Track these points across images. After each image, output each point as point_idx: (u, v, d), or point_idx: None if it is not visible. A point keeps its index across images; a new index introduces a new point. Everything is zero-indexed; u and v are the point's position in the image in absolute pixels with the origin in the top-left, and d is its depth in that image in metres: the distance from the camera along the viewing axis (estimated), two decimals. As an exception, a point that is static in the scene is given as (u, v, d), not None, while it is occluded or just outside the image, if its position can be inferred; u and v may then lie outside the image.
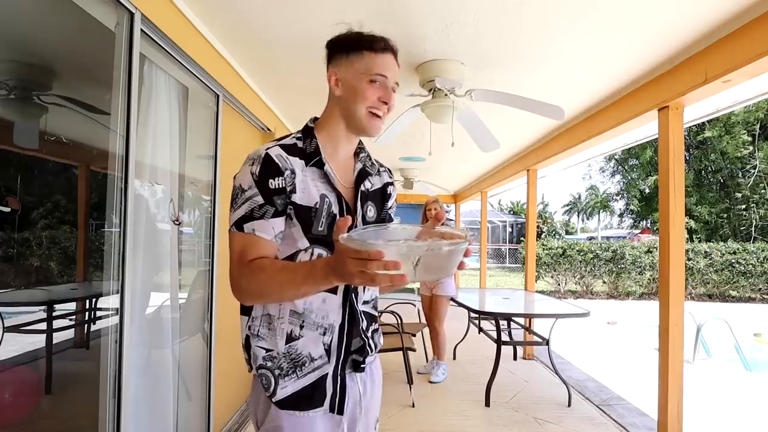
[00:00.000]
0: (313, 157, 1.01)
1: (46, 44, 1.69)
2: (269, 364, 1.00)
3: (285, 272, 0.90)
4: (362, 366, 1.08)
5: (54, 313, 2.03)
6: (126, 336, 1.66)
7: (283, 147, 0.99)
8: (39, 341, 1.96)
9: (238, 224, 0.95)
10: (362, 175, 1.10)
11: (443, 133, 3.80)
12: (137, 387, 1.83)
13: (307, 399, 0.99)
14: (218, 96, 2.57)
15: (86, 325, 2.18)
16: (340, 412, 1.01)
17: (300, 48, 2.50)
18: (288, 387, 0.99)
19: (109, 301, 1.68)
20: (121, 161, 1.68)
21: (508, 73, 2.85)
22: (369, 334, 1.09)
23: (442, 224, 0.88)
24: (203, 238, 2.57)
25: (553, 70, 2.78)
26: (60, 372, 1.96)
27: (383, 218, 1.16)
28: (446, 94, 2.78)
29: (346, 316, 1.03)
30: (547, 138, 4.49)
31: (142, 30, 1.74)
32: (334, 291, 1.02)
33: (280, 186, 0.95)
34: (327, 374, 1.01)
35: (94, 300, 2.06)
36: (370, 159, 1.16)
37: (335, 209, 1.02)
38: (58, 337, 2.03)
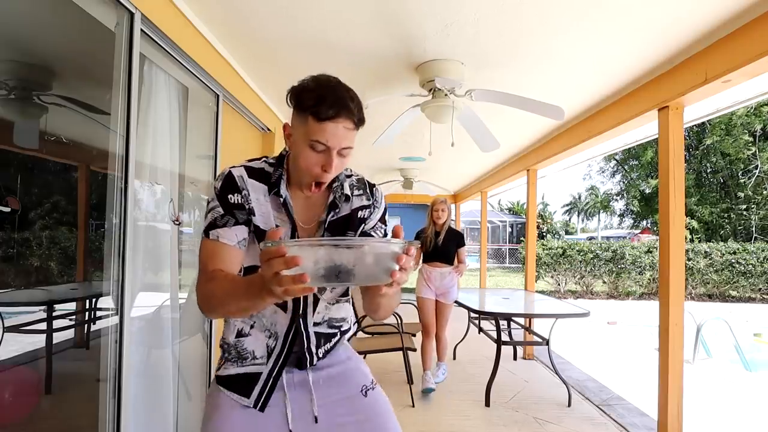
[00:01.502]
0: (275, 186, 1.04)
1: (46, 44, 1.69)
2: (224, 346, 1.12)
3: (231, 282, 0.94)
4: (308, 365, 1.11)
5: (54, 313, 2.03)
6: (126, 336, 1.66)
7: (248, 169, 1.05)
8: (39, 341, 1.96)
9: (206, 231, 1.03)
10: (330, 209, 1.08)
11: (443, 133, 3.79)
12: (137, 387, 1.83)
13: (235, 384, 1.09)
14: (218, 96, 2.57)
15: (86, 325, 2.18)
16: (262, 410, 1.08)
17: (300, 47, 2.51)
18: (230, 370, 1.10)
19: (109, 301, 1.68)
20: (121, 161, 1.68)
21: (508, 72, 2.85)
22: (316, 351, 1.12)
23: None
24: (203, 238, 2.57)
25: (553, 69, 2.78)
26: (60, 372, 1.96)
27: None
28: (446, 94, 2.78)
29: (291, 334, 1.08)
30: (547, 138, 4.49)
31: (142, 30, 1.74)
32: (283, 308, 1.07)
33: (239, 202, 1.02)
34: (261, 373, 1.08)
35: (93, 300, 2.06)
36: (343, 188, 1.10)
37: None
38: (58, 337, 2.03)
